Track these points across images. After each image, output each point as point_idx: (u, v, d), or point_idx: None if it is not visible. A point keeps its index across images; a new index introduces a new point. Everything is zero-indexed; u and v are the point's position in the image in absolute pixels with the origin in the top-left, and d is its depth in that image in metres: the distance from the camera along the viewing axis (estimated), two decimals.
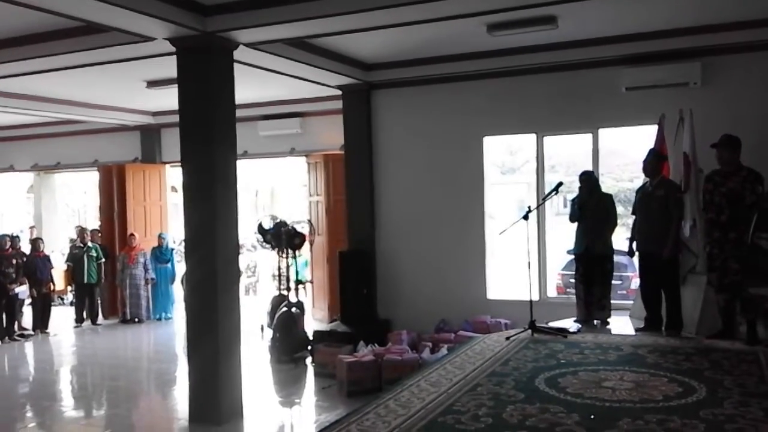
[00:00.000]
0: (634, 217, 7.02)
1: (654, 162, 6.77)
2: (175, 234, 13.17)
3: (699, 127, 6.86)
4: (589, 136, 8.30)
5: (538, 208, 7.71)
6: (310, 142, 11.29)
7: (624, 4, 6.56)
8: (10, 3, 5.02)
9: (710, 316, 6.37)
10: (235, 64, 6.42)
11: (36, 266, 10.79)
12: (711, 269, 6.25)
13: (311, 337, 8.68)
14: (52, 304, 11.64)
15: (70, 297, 13.59)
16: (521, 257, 7.03)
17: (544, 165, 8.69)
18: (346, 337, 8.29)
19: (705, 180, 6.39)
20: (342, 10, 5.60)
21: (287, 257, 9.45)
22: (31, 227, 15.44)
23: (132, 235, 11.87)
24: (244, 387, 6.42)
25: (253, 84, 8.93)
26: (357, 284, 8.92)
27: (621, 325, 7.06)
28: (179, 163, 6.39)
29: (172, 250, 12.45)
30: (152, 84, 9.14)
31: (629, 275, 11.71)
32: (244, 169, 8.80)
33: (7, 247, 10.53)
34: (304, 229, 10.01)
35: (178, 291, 11.61)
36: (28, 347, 10.32)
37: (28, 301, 11.05)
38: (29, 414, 7.13)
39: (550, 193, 7.09)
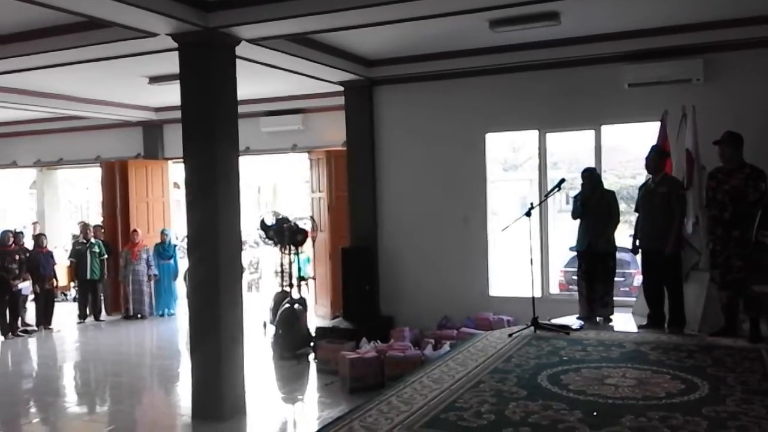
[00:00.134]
0: (636, 214, 7.01)
1: (656, 159, 6.76)
2: (178, 230, 13.18)
3: (702, 123, 6.84)
4: (591, 133, 8.28)
5: (540, 204, 7.70)
6: (312, 138, 11.29)
7: (626, 1, 6.54)
8: None
9: (713, 313, 6.36)
10: (237, 60, 6.42)
11: (39, 262, 10.80)
12: (714, 266, 6.24)
13: (314, 334, 8.69)
14: (55, 300, 11.66)
15: (73, 293, 13.60)
16: (524, 254, 7.02)
17: (546, 162, 8.68)
18: (349, 333, 8.29)
19: (708, 177, 6.37)
20: (344, 6, 5.59)
21: (290, 254, 9.46)
22: (34, 223, 15.47)
23: (135, 231, 11.88)
24: (246, 383, 6.43)
25: (255, 80, 8.93)
26: (359, 281, 8.93)
27: (624, 322, 7.05)
28: (182, 159, 6.39)
29: (175, 246, 12.47)
30: (154, 80, 9.13)
31: (632, 272, 11.70)
32: (246, 165, 8.81)
33: (10, 243, 10.54)
34: (306, 225, 10.03)
35: (180, 287, 11.66)
36: (32, 343, 10.35)
37: (31, 297, 11.08)
38: (33, 410, 7.15)
39: (552, 189, 7.07)
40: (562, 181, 7.01)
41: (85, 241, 11.60)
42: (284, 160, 16.98)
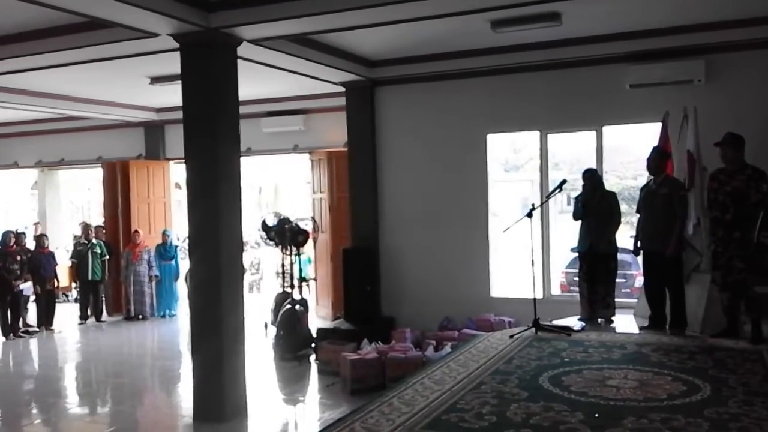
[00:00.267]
0: (638, 215, 7.00)
1: (658, 160, 6.75)
2: (179, 231, 13.18)
3: (703, 124, 6.83)
4: (593, 134, 8.28)
5: (541, 205, 7.70)
6: (313, 139, 11.29)
7: (628, 1, 6.53)
8: None
9: (714, 314, 6.35)
10: (239, 61, 6.42)
11: (40, 263, 10.81)
12: (715, 268, 6.23)
13: (315, 335, 8.68)
14: (57, 300, 11.66)
15: (74, 294, 13.62)
16: (525, 255, 7.02)
17: (547, 162, 8.68)
18: (350, 334, 8.29)
19: (709, 178, 6.36)
20: (346, 6, 5.59)
21: (291, 254, 9.46)
22: (36, 224, 15.48)
23: (136, 232, 11.88)
24: (248, 384, 6.43)
25: (257, 80, 8.93)
26: (361, 281, 8.92)
27: (625, 323, 7.04)
28: (183, 160, 6.39)
29: (176, 247, 12.47)
30: (156, 80, 9.14)
31: (633, 273, 11.69)
32: (247, 165, 8.82)
33: (12, 243, 10.54)
34: (307, 226, 10.03)
35: (182, 288, 11.64)
36: (33, 344, 10.35)
37: (32, 297, 11.08)
38: (34, 411, 7.15)
39: (553, 190, 7.07)
40: (564, 182, 7.01)
41: (86, 241, 11.61)
42: (285, 160, 17.00)
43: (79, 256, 11.51)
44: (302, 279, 9.69)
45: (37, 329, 10.87)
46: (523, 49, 7.93)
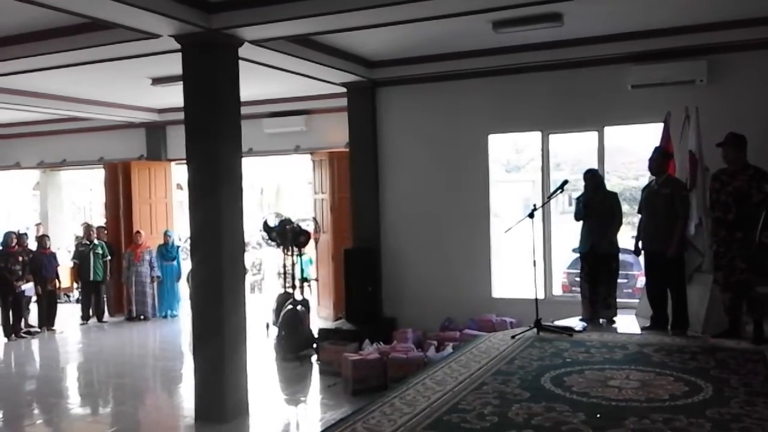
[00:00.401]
0: (639, 215, 7.00)
1: (660, 160, 6.75)
2: (181, 231, 13.19)
3: (705, 125, 6.83)
4: (594, 134, 8.28)
5: (543, 206, 7.69)
6: (315, 139, 11.30)
7: (630, 2, 6.53)
8: None
9: (716, 315, 6.35)
10: (240, 62, 6.42)
11: (41, 263, 10.81)
12: (717, 268, 6.23)
13: (316, 335, 8.68)
14: (58, 301, 11.67)
15: (76, 294, 13.63)
16: (527, 255, 7.02)
17: (549, 163, 8.68)
18: (352, 335, 8.29)
19: (711, 179, 6.36)
20: (347, 7, 5.59)
21: (292, 255, 9.46)
22: (38, 224, 15.49)
23: (138, 232, 11.89)
24: (249, 385, 6.43)
25: (258, 81, 8.93)
26: (362, 282, 8.92)
27: (627, 323, 7.04)
28: (184, 161, 6.39)
29: (178, 247, 12.48)
30: (157, 81, 9.15)
31: (635, 274, 11.67)
32: (249, 166, 8.82)
33: (14, 244, 10.56)
34: (309, 226, 10.03)
35: (183, 289, 11.65)
36: (35, 344, 10.36)
37: (34, 298, 11.08)
38: (36, 411, 7.15)
39: (555, 191, 7.07)
40: (565, 182, 7.01)
41: (88, 242, 11.61)
42: (287, 161, 16.99)
43: (81, 256, 11.53)
44: (304, 279, 9.70)
45: (39, 330, 10.88)
46: (525, 50, 7.92)
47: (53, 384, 8.23)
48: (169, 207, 12.94)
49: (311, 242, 9.86)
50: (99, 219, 17.27)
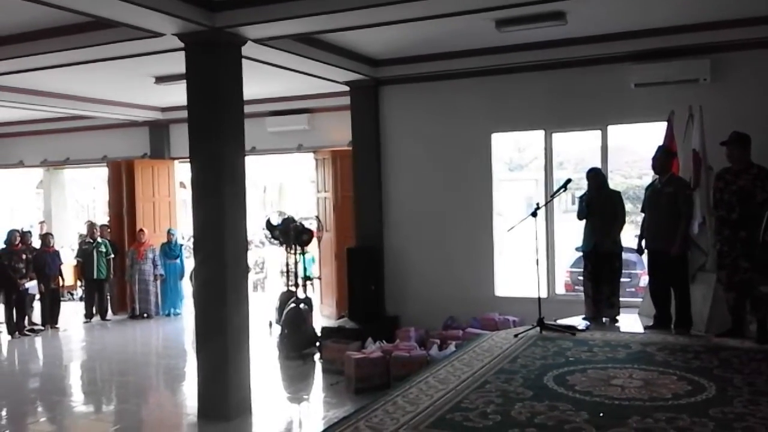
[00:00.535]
0: (643, 214, 6.99)
1: (663, 159, 6.74)
2: (184, 230, 13.20)
3: (709, 123, 6.82)
4: (597, 133, 8.27)
5: (546, 205, 7.69)
6: (317, 138, 11.29)
7: (633, 0, 6.52)
8: None
9: (720, 314, 6.34)
10: (243, 60, 6.42)
11: (45, 261, 10.83)
12: (721, 267, 6.22)
13: (319, 334, 8.69)
14: (61, 299, 11.69)
15: (79, 292, 13.65)
16: (529, 254, 7.01)
17: (552, 162, 8.67)
18: (354, 333, 8.29)
19: (715, 178, 6.35)
20: (350, 5, 5.59)
21: (295, 253, 9.47)
22: (41, 222, 15.53)
23: (141, 230, 11.91)
24: (252, 383, 6.44)
25: (261, 80, 8.94)
26: (365, 280, 8.92)
27: (630, 322, 7.03)
28: (188, 159, 6.40)
29: (181, 246, 12.49)
30: (161, 80, 9.16)
31: (638, 273, 11.67)
32: (252, 165, 8.84)
33: (17, 242, 10.58)
34: (312, 225, 10.03)
35: (187, 287, 11.67)
36: (38, 342, 10.39)
37: (38, 296, 11.11)
38: (40, 409, 7.17)
39: (558, 190, 7.06)
40: (569, 181, 7.00)
41: (91, 240, 11.63)
42: (290, 159, 17.01)
43: (85, 254, 11.55)
44: (306, 278, 9.70)
45: (42, 328, 10.90)
46: (528, 49, 7.92)
47: (56, 382, 8.25)
48: (172, 205, 12.96)
49: (314, 241, 9.87)
50: (102, 217, 17.31)
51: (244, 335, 6.34)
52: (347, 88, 9.29)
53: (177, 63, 6.54)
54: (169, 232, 12.22)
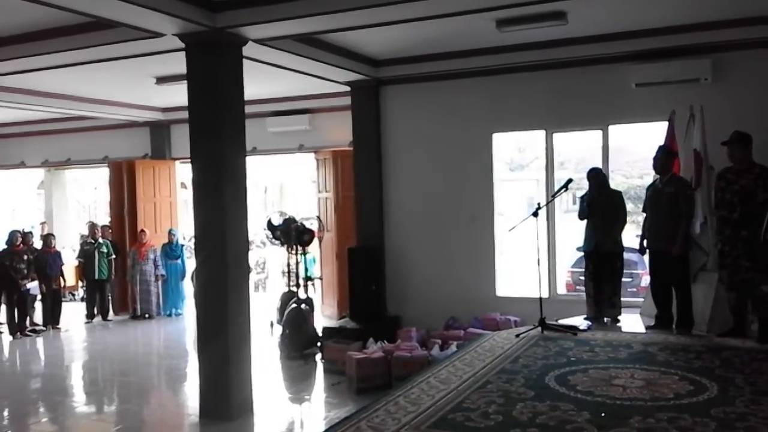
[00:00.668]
0: (644, 214, 6.98)
1: (664, 159, 6.74)
2: (185, 230, 13.21)
3: (710, 123, 6.82)
4: (598, 133, 8.26)
5: (547, 205, 7.68)
6: (318, 138, 11.30)
7: (634, 0, 6.51)
8: None
9: (721, 313, 6.34)
10: (244, 60, 6.43)
11: (46, 262, 10.84)
12: (722, 267, 6.22)
13: (320, 334, 8.69)
14: (62, 299, 11.70)
15: (81, 293, 13.66)
16: (531, 254, 7.01)
17: (553, 162, 8.66)
18: (356, 333, 8.29)
19: (717, 178, 6.35)
20: (351, 6, 5.59)
21: (296, 254, 9.47)
22: (42, 223, 15.54)
23: (142, 231, 11.91)
24: (254, 383, 6.44)
25: (262, 80, 8.94)
26: (366, 281, 8.92)
27: (631, 322, 7.03)
28: (189, 159, 6.40)
29: (182, 246, 12.49)
30: (161, 80, 9.16)
31: (639, 273, 11.66)
32: (253, 165, 8.82)
33: (19, 243, 10.59)
34: (313, 225, 10.02)
35: (188, 287, 11.67)
36: (40, 343, 10.39)
37: (39, 296, 11.12)
38: (41, 409, 7.18)
39: (559, 190, 7.05)
40: (570, 181, 6.99)
41: (93, 241, 11.64)
42: (291, 160, 17.01)
43: (86, 255, 11.55)
44: (308, 278, 9.69)
45: (44, 328, 10.91)
46: (529, 48, 7.91)
47: (58, 382, 8.25)
48: (173, 206, 12.96)
49: (315, 241, 9.87)
50: (104, 218, 17.32)
51: (245, 335, 6.35)
52: (348, 89, 9.29)
53: (178, 63, 6.54)
54: (170, 233, 12.23)
